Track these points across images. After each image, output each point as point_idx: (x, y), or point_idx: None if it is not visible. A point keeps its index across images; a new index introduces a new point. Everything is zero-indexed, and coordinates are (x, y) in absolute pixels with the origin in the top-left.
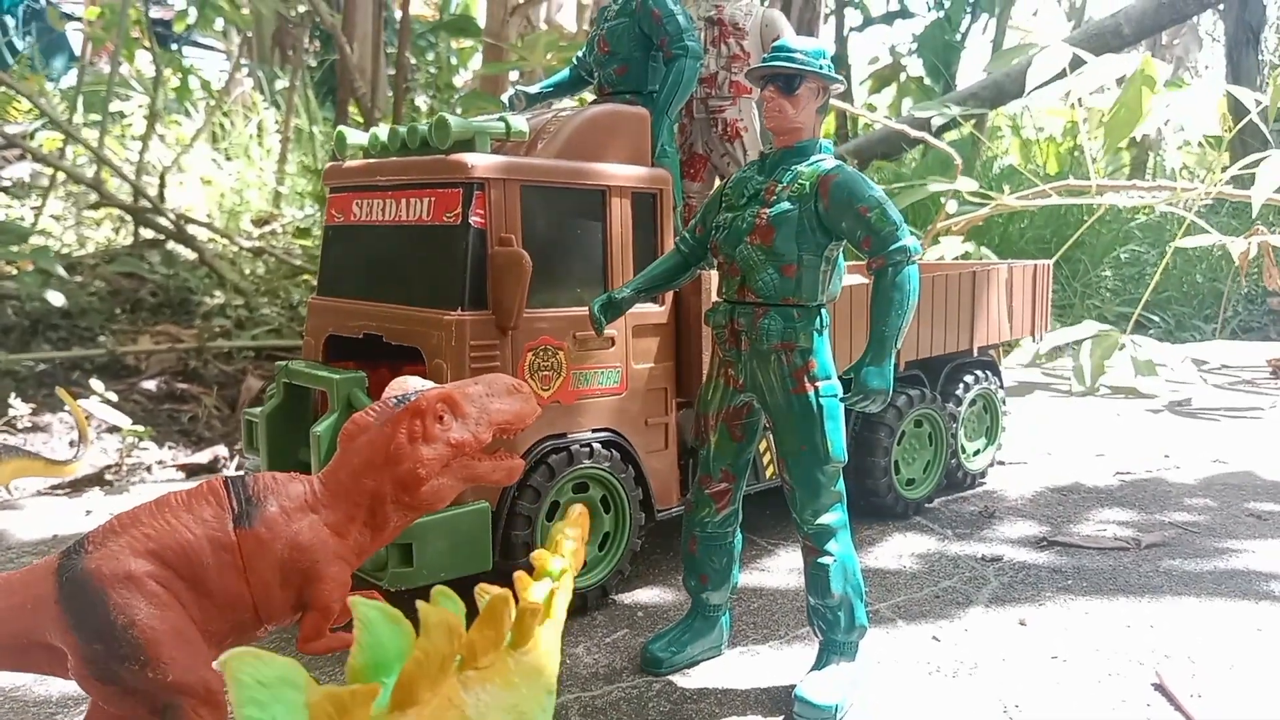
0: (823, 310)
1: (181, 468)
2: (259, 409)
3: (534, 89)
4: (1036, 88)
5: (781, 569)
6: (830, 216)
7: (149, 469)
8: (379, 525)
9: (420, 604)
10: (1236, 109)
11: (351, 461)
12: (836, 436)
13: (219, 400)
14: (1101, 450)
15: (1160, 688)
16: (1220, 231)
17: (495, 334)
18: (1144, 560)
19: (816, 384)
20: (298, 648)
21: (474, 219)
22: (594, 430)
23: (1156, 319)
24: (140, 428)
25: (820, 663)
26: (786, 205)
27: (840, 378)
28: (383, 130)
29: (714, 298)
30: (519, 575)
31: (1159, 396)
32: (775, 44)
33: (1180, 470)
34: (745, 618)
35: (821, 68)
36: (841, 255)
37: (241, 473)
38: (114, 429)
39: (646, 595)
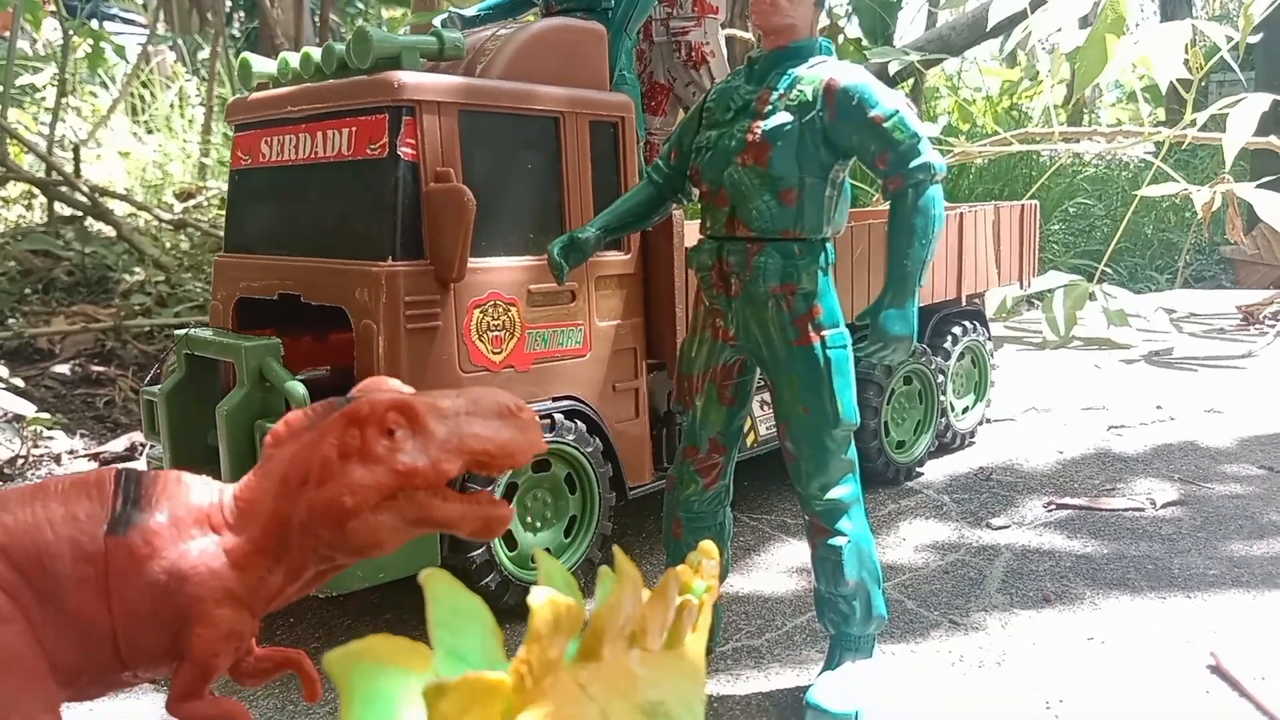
0: (828, 245)
1: (94, 457)
2: (158, 386)
3: (471, 11)
4: (995, 28)
5: (767, 547)
6: (837, 129)
7: (57, 459)
8: (293, 566)
9: (617, 551)
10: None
11: (270, 474)
12: (847, 395)
13: (137, 382)
14: (1089, 403)
15: (1218, 670)
16: (1161, 176)
17: (434, 288)
18: (1163, 522)
19: (822, 333)
20: (166, 708)
21: (404, 150)
22: (554, 399)
23: (1110, 270)
24: (45, 415)
25: (832, 661)
26: (784, 117)
27: (851, 325)
28: (293, 55)
29: (690, 236)
30: (680, 569)
31: (1134, 347)
32: None
33: (1175, 423)
34: (734, 607)
35: None
36: (848, 178)
37: (143, 466)
38: (17, 418)
39: None
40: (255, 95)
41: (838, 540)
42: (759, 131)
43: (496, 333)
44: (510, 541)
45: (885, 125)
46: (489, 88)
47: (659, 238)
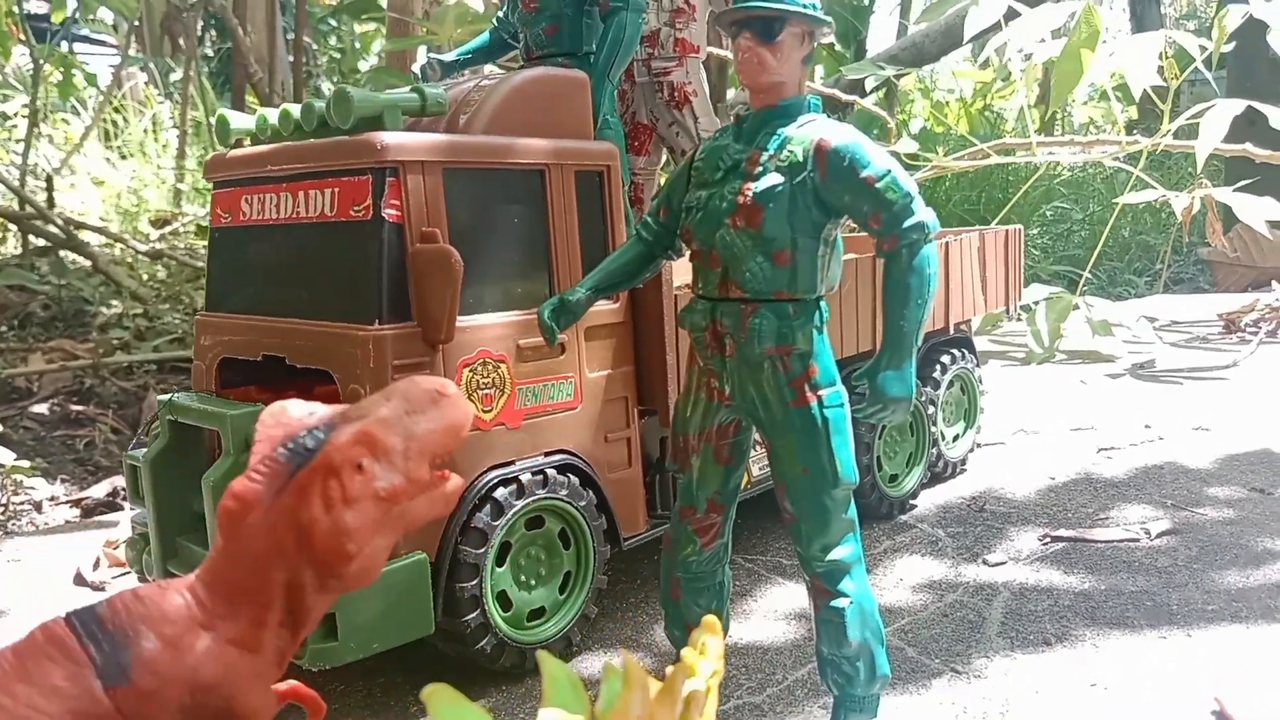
0: (822, 303)
1: (76, 504)
2: (142, 451)
3: (449, 56)
4: (974, 38)
5: (763, 591)
6: (829, 189)
7: (38, 507)
8: (300, 621)
9: (626, 654)
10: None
11: (246, 551)
12: (845, 454)
13: (118, 421)
14: (1077, 424)
15: (1222, 716)
16: (1140, 185)
17: (422, 350)
18: (1159, 553)
19: (819, 393)
20: None
21: (388, 212)
22: (546, 454)
23: (1089, 276)
24: (25, 463)
25: None
26: (775, 178)
27: (849, 384)
28: (272, 112)
29: (675, 286)
30: (686, 653)
31: (1120, 359)
32: None
33: (1165, 443)
34: (733, 660)
35: (806, 6)
36: (840, 235)
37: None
38: None
39: (619, 639)
40: (234, 152)
41: (840, 602)
42: (750, 194)
43: (486, 391)
44: (505, 602)
45: (878, 186)
46: (473, 144)
47: (648, 286)
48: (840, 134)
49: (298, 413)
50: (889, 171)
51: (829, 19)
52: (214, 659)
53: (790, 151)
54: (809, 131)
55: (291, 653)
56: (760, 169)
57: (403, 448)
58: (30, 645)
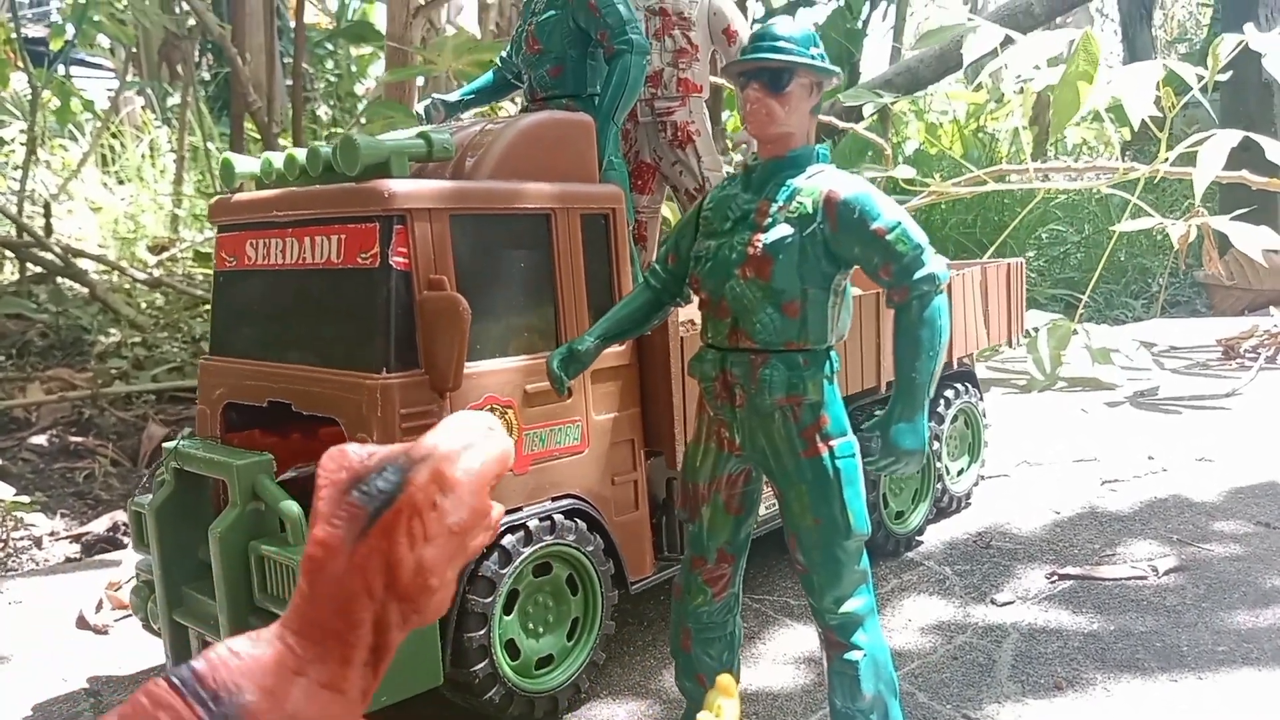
0: (832, 353)
1: (76, 539)
2: (147, 499)
3: (453, 97)
4: (972, 63)
5: (771, 633)
6: (839, 241)
7: (38, 543)
8: (381, 657)
9: None
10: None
11: (334, 596)
12: (858, 504)
13: (117, 453)
14: (1079, 455)
15: None
16: (1135, 211)
17: (430, 398)
18: (1167, 591)
19: (831, 443)
20: None
21: (395, 260)
22: (553, 499)
23: (1087, 299)
24: (25, 499)
25: None
26: (785, 230)
27: (859, 434)
28: (277, 156)
29: (681, 323)
30: (702, 717)
31: (1120, 386)
32: (758, 31)
33: (1168, 474)
34: (742, 707)
35: (814, 58)
36: (849, 284)
37: (190, 666)
38: None
39: (627, 685)
40: (239, 196)
41: (854, 655)
42: (760, 245)
43: None
44: (513, 650)
45: (888, 238)
46: (480, 190)
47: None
48: (849, 185)
49: (358, 455)
50: (899, 223)
51: (837, 69)
52: (312, 703)
53: (800, 203)
54: (818, 183)
55: (373, 691)
56: (770, 220)
57: (467, 481)
58: (136, 711)
